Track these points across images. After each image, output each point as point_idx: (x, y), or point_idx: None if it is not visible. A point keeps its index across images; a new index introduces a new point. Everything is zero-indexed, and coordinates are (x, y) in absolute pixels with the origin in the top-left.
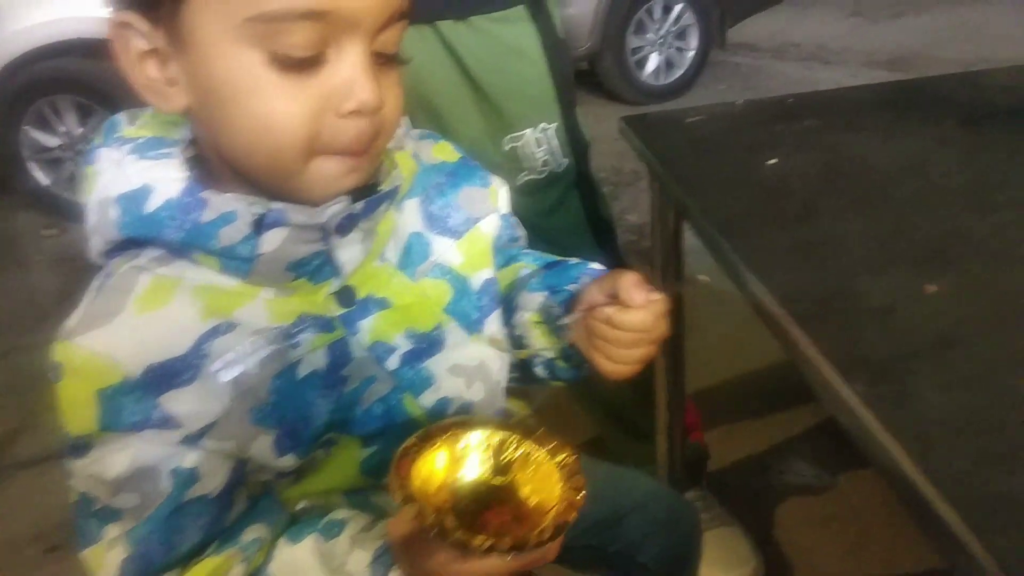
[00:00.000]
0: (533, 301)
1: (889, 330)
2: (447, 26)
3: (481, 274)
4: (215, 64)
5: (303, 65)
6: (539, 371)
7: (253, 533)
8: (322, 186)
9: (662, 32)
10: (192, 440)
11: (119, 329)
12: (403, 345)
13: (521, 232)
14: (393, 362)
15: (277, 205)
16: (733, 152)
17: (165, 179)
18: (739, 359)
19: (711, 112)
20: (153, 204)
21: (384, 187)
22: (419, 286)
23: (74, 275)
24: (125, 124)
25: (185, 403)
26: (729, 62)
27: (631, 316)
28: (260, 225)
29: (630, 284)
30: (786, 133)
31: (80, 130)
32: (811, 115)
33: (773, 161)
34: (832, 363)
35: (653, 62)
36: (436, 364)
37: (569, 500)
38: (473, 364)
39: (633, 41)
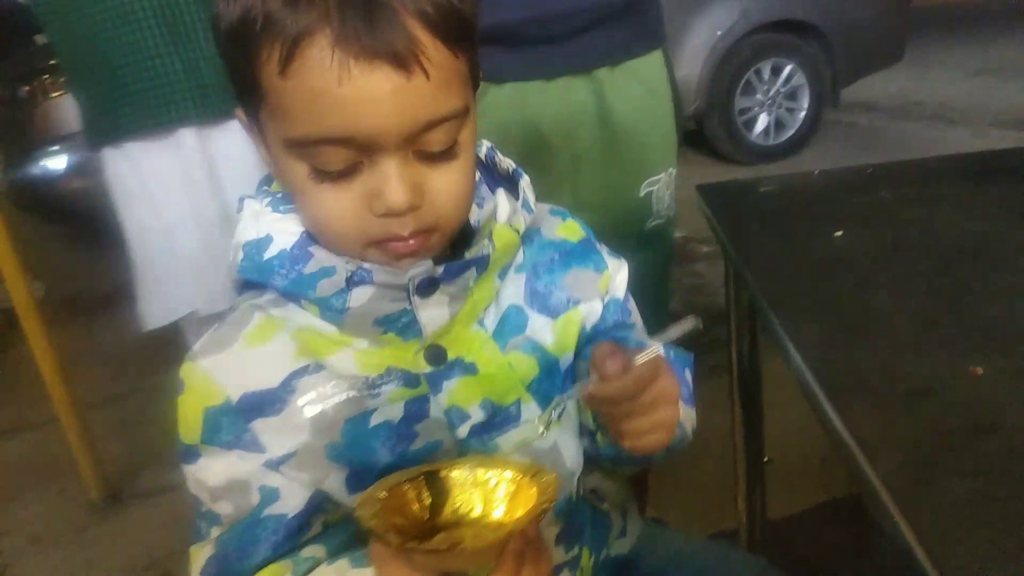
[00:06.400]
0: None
1: (925, 413)
2: (602, 73)
3: (567, 356)
4: (279, 168)
5: (340, 175)
6: (586, 445)
7: (311, 552)
8: (388, 265)
9: (771, 93)
10: (273, 465)
11: (229, 358)
12: (477, 415)
13: (636, 320)
14: (463, 431)
15: (367, 265)
16: (801, 224)
17: (285, 232)
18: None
19: (786, 182)
20: (269, 253)
21: (469, 255)
22: (507, 358)
23: None
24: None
25: (271, 431)
26: (845, 121)
27: (608, 389)
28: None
29: (603, 355)
30: (858, 205)
31: None
32: (887, 186)
33: (839, 234)
34: (858, 443)
35: (762, 122)
36: (505, 440)
37: (544, 499)
38: (545, 447)
39: (741, 102)
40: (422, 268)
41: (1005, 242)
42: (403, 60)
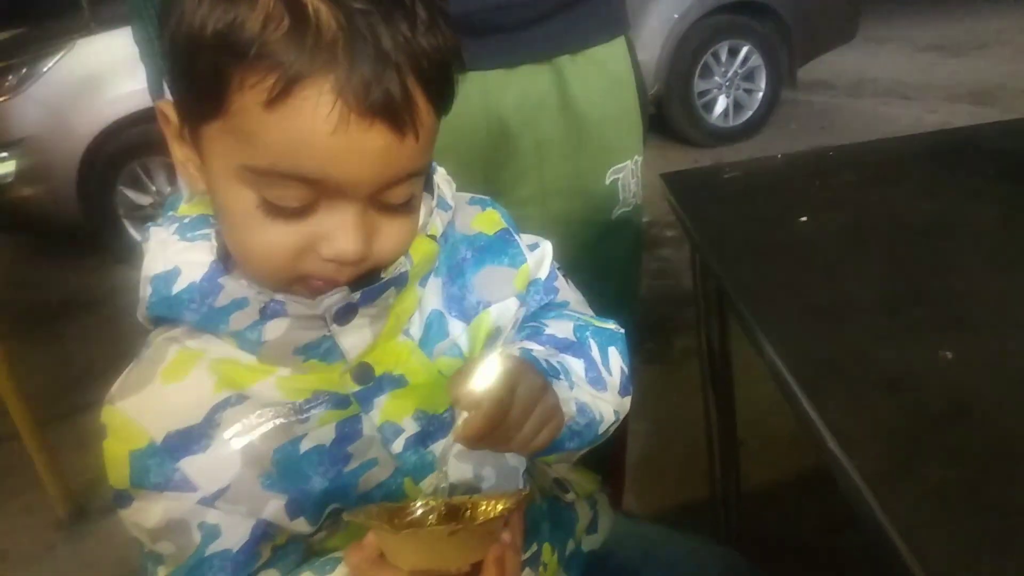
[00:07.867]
0: None
1: (897, 400)
2: (563, 60)
3: None
4: (218, 188)
5: (294, 212)
6: None
7: None
8: (305, 297)
9: (729, 74)
10: (208, 501)
11: (148, 397)
12: (410, 428)
13: (568, 296)
14: (398, 446)
15: (280, 296)
16: (766, 210)
17: (193, 263)
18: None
19: (749, 168)
20: (178, 286)
21: (386, 275)
22: (436, 365)
23: None
24: (184, 201)
25: (200, 468)
26: (802, 101)
27: (473, 429)
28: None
29: (458, 392)
30: (822, 188)
31: (169, 189)
32: (850, 169)
33: (804, 219)
34: (833, 435)
35: (721, 104)
36: (443, 448)
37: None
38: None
39: (700, 84)
40: (338, 296)
41: (967, 222)
42: (401, 121)
